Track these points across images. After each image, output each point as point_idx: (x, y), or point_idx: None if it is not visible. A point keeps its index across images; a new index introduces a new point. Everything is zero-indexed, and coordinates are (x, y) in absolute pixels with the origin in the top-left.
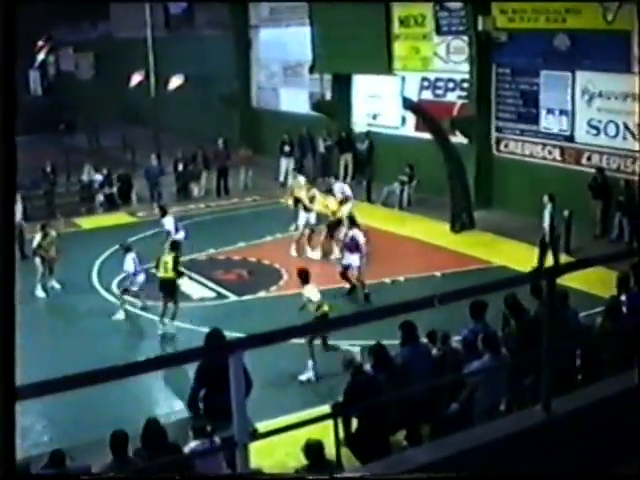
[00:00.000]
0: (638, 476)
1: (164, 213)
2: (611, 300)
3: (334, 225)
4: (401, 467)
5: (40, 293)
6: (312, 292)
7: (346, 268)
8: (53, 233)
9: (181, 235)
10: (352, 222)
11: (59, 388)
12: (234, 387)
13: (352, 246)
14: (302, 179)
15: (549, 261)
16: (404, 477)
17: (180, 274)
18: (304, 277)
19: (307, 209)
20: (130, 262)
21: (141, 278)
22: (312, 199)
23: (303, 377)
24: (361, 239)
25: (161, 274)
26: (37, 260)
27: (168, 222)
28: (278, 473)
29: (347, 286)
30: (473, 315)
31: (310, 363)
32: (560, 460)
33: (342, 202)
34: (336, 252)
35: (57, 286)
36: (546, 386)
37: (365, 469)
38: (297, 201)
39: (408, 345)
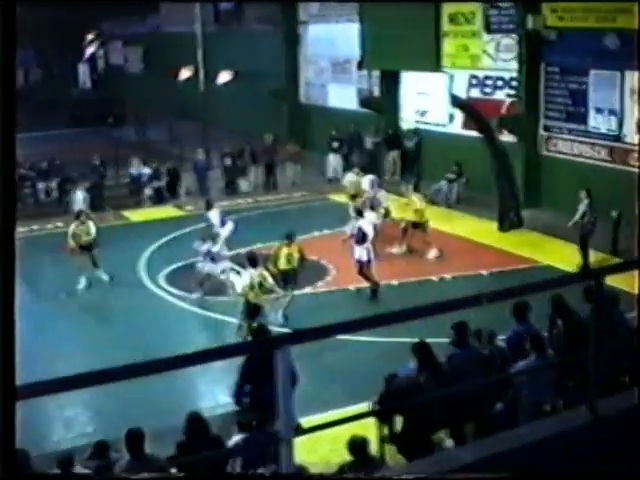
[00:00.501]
0: None
1: (209, 206)
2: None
3: (420, 225)
4: (445, 465)
5: (81, 284)
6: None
7: (360, 264)
8: (90, 223)
9: (228, 229)
10: (359, 213)
11: (63, 388)
12: (280, 382)
13: (359, 237)
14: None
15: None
16: (448, 477)
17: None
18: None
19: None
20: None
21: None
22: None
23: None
24: (369, 231)
25: (283, 266)
26: (72, 247)
27: (213, 216)
28: (319, 473)
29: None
30: (516, 316)
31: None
32: (605, 461)
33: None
34: (433, 252)
35: (105, 278)
36: (592, 387)
37: (410, 467)
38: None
39: (460, 348)
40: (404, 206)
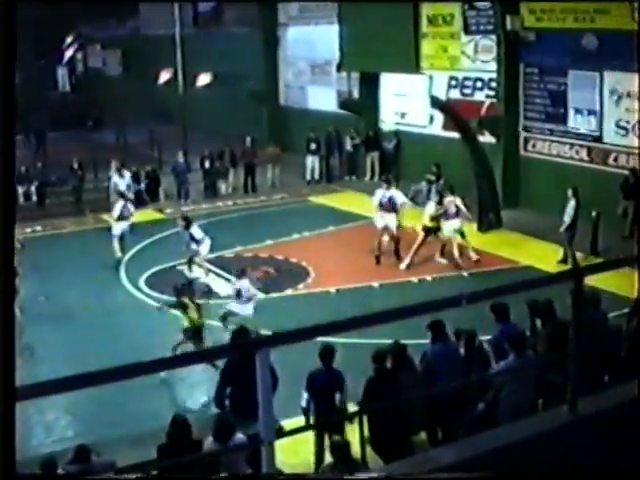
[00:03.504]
0: None
1: (189, 224)
2: (637, 301)
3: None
4: (425, 467)
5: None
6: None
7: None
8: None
9: (207, 246)
10: (389, 182)
11: (59, 389)
12: (261, 385)
13: (389, 206)
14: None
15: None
16: (428, 477)
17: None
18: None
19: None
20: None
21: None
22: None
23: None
24: (400, 199)
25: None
26: None
27: (196, 232)
28: (301, 474)
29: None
30: (498, 318)
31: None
32: (585, 460)
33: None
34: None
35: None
36: (573, 386)
37: (389, 468)
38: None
39: (437, 343)
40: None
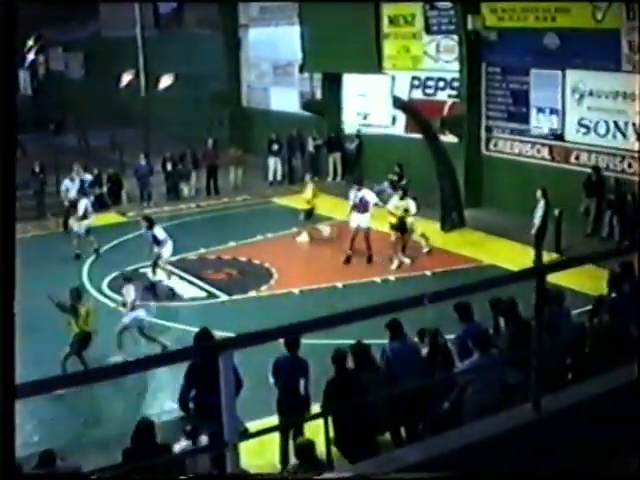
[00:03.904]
0: (627, 474)
1: (151, 224)
2: (600, 299)
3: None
4: (390, 466)
5: None
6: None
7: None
8: None
9: (169, 248)
10: (359, 183)
11: (58, 386)
12: (224, 387)
13: (361, 207)
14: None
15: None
16: (394, 476)
17: None
18: None
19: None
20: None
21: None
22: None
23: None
24: (371, 199)
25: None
26: None
27: (159, 233)
28: (267, 473)
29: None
30: (461, 317)
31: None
32: (549, 458)
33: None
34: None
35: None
36: (536, 384)
37: (355, 468)
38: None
39: (396, 341)
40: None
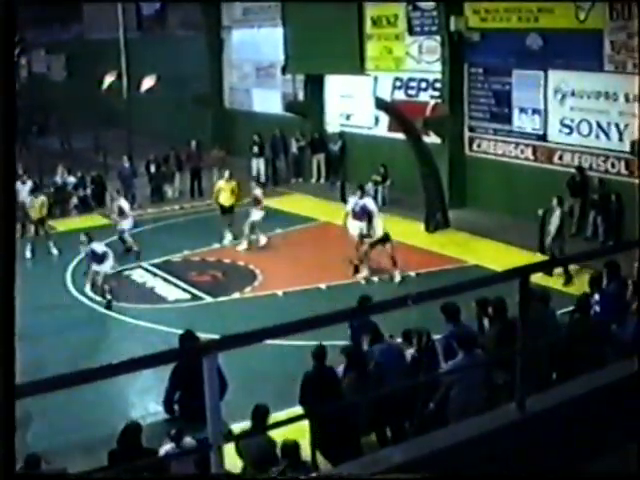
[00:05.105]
0: (611, 473)
1: (90, 239)
2: (582, 298)
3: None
4: (375, 467)
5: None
6: None
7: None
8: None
9: (109, 265)
10: (362, 190)
11: (57, 386)
12: (208, 389)
13: (361, 214)
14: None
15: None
16: (379, 477)
17: None
18: None
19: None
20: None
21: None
22: None
23: None
24: (373, 208)
25: None
26: None
27: (97, 248)
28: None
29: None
30: (448, 318)
31: None
32: (534, 458)
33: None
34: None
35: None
36: (520, 384)
37: (339, 469)
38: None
39: (377, 344)
40: None
